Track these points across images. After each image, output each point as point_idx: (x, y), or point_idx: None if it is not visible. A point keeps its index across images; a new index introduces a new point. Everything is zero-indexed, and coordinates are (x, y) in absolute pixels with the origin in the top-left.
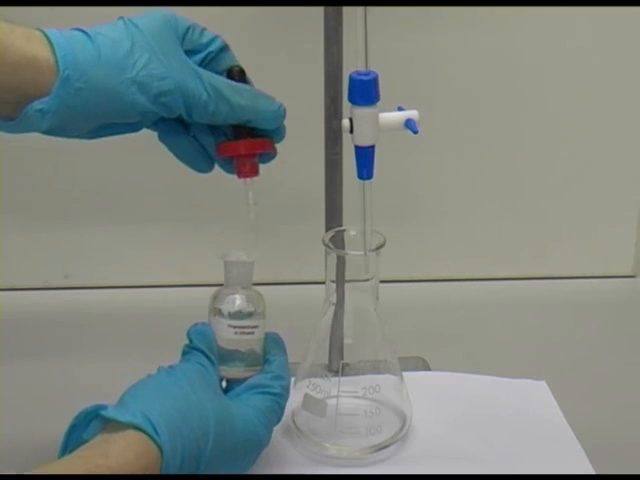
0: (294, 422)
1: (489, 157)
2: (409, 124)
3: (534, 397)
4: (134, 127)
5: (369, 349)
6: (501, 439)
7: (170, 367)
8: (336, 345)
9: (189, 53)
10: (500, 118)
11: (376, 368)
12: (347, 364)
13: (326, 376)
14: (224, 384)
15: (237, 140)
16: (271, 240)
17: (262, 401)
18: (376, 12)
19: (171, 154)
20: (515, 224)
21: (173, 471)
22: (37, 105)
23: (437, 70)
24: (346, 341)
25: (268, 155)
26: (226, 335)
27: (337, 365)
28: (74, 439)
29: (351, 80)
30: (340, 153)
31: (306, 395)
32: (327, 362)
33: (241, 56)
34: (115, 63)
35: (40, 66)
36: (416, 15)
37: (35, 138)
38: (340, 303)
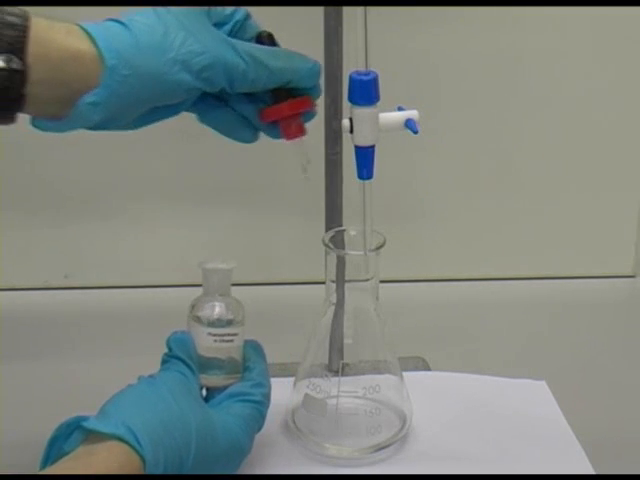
0: (294, 422)
1: (489, 157)
2: (409, 124)
3: (534, 397)
4: (175, 109)
5: (369, 349)
6: (501, 439)
7: (151, 376)
8: (336, 345)
9: (217, 26)
10: (500, 118)
11: (376, 368)
12: (347, 364)
13: (326, 376)
14: (204, 392)
15: (279, 103)
16: (271, 240)
17: (243, 409)
18: (376, 12)
19: (165, 154)
20: (515, 224)
21: None
22: (88, 98)
23: (437, 70)
24: (346, 341)
25: (310, 113)
26: (205, 343)
27: (337, 365)
28: (55, 451)
29: (351, 80)
30: (340, 153)
31: (306, 395)
32: (327, 362)
33: None
34: (154, 46)
35: (84, 59)
36: (416, 15)
37: (35, 137)
38: (340, 303)
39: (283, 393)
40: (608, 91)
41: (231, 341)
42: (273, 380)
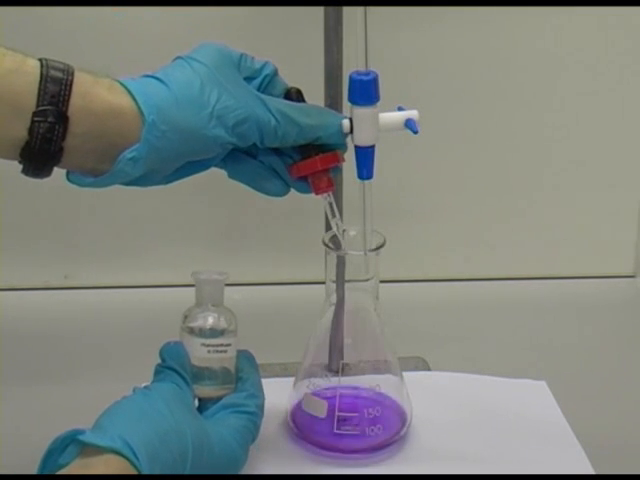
0: (294, 422)
1: (489, 157)
2: (409, 124)
3: (534, 397)
4: (207, 164)
5: (369, 349)
6: (501, 439)
7: (146, 388)
8: (336, 345)
9: (247, 80)
10: (500, 118)
11: (376, 368)
12: (347, 364)
13: (326, 376)
14: (196, 403)
15: (308, 158)
16: (271, 240)
17: (238, 420)
18: (376, 12)
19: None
20: (515, 224)
21: None
22: (129, 154)
23: (437, 70)
24: (346, 341)
25: (337, 168)
26: (199, 354)
27: (337, 365)
28: (50, 464)
29: (351, 80)
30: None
31: (306, 395)
32: (327, 362)
33: None
34: (191, 102)
35: (125, 115)
36: (416, 15)
37: None
38: (340, 303)
39: (283, 393)
40: (608, 91)
41: (224, 352)
42: (273, 380)
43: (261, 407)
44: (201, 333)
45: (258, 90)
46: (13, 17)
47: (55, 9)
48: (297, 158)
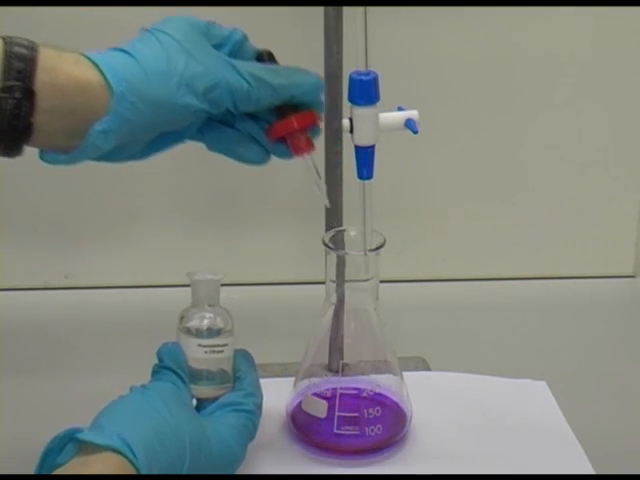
0: (294, 422)
1: (489, 157)
2: (409, 124)
3: (534, 397)
4: (181, 136)
5: (369, 349)
6: (501, 439)
7: (143, 387)
8: (336, 345)
9: (216, 48)
10: (500, 118)
11: (376, 368)
12: (347, 364)
13: (326, 376)
14: (194, 402)
15: (284, 118)
16: (271, 240)
17: (236, 419)
18: (376, 12)
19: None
20: (515, 224)
21: None
22: (99, 126)
23: (437, 70)
24: (346, 341)
25: (316, 129)
26: (196, 354)
27: (337, 365)
28: (49, 463)
29: (351, 80)
30: (340, 153)
31: (306, 395)
32: (327, 362)
33: None
34: (159, 71)
35: (93, 88)
36: (416, 15)
37: None
38: (340, 303)
39: (283, 393)
40: (608, 91)
41: (221, 352)
42: (273, 380)
43: (259, 406)
44: (198, 333)
45: (229, 57)
46: (13, 17)
47: (55, 9)
48: (274, 121)
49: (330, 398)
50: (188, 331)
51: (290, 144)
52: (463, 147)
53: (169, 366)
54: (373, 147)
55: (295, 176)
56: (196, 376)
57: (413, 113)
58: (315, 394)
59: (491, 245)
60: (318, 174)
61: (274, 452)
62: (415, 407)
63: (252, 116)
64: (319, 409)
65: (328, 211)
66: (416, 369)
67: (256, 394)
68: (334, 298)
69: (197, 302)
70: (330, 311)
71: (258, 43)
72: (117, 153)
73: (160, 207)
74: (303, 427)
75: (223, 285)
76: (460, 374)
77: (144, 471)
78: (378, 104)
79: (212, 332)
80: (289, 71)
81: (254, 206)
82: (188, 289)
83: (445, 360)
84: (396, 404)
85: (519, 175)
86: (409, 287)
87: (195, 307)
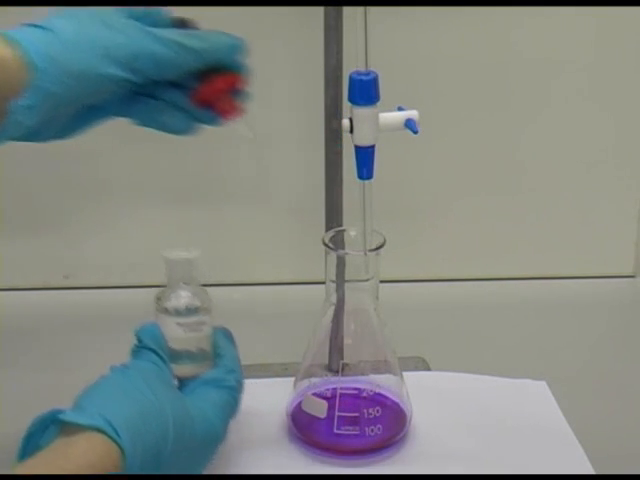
0: (294, 422)
1: (489, 157)
2: (409, 124)
3: (534, 397)
4: (106, 111)
5: (369, 349)
6: (501, 439)
7: (124, 366)
8: (336, 345)
9: (133, 19)
10: (500, 118)
11: (376, 368)
12: (347, 364)
13: (326, 376)
14: (176, 382)
15: (210, 81)
16: (271, 240)
17: (218, 395)
18: (376, 12)
19: (165, 153)
20: (515, 224)
21: (134, 470)
22: (22, 101)
23: (437, 70)
24: (346, 341)
25: (242, 93)
26: (175, 334)
27: (337, 365)
28: (31, 447)
29: (351, 80)
30: (340, 153)
31: (306, 395)
32: (327, 362)
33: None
34: (79, 44)
35: (9, 65)
36: (416, 15)
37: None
38: (340, 303)
39: (283, 393)
40: (608, 91)
41: (200, 330)
42: (273, 380)
43: (241, 382)
44: (176, 313)
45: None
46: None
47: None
48: (199, 86)
49: (330, 398)
50: (166, 311)
51: (217, 109)
52: (463, 147)
53: (149, 346)
54: (373, 147)
55: (295, 176)
56: (176, 355)
57: (413, 113)
58: (315, 394)
59: (491, 245)
60: (252, 131)
61: (274, 452)
62: (415, 407)
63: (176, 85)
64: (319, 409)
65: (328, 211)
66: (416, 369)
67: (237, 370)
68: (334, 298)
69: (173, 281)
70: (330, 311)
71: (258, 43)
72: (40, 132)
73: (160, 208)
74: (303, 427)
75: (223, 285)
76: (460, 374)
77: (128, 450)
78: (378, 104)
79: (190, 311)
80: (210, 35)
81: (254, 206)
82: None
83: (445, 360)
84: (396, 404)
85: (519, 175)
86: (409, 287)
87: (171, 287)
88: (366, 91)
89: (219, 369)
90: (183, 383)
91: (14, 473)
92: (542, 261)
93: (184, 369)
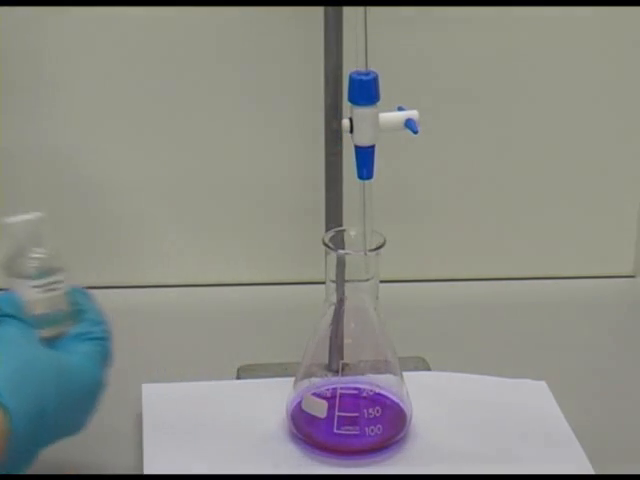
0: (294, 422)
1: (489, 157)
2: (409, 124)
3: (534, 397)
4: None
5: (369, 349)
6: (501, 439)
7: None
8: (336, 345)
9: None
10: (500, 118)
11: (376, 368)
12: (347, 364)
13: (326, 376)
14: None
15: None
16: (271, 240)
17: (90, 347)
18: (376, 12)
19: (165, 153)
20: (515, 224)
21: (21, 429)
22: None
23: (437, 70)
24: (346, 341)
25: None
26: (32, 297)
27: (337, 365)
28: None
29: (351, 80)
30: (340, 153)
31: (306, 395)
32: (327, 362)
33: (241, 56)
34: None
35: None
36: (416, 15)
37: (35, 137)
38: (340, 303)
39: (283, 393)
40: (608, 91)
41: (57, 289)
42: (273, 380)
43: (109, 332)
44: (29, 276)
45: None
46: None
47: (53, 9)
48: None
49: (330, 398)
50: (19, 275)
51: None
52: (463, 147)
53: (9, 313)
54: (373, 147)
55: (295, 176)
56: (38, 317)
57: (413, 113)
58: (315, 394)
59: (491, 245)
60: None
61: (274, 452)
62: (415, 407)
63: None
64: (319, 409)
65: (328, 211)
66: (416, 369)
67: (102, 321)
68: (334, 298)
69: (20, 245)
70: (330, 311)
71: (258, 43)
72: None
73: (160, 208)
74: (303, 427)
75: (223, 285)
76: (460, 374)
77: (13, 408)
78: (378, 104)
79: (43, 271)
80: None
81: (254, 206)
82: (188, 289)
83: (445, 360)
84: (396, 404)
85: (519, 175)
86: (409, 287)
87: (19, 251)
88: (366, 91)
89: (85, 323)
90: (51, 343)
91: None
92: (542, 261)
93: (47, 330)
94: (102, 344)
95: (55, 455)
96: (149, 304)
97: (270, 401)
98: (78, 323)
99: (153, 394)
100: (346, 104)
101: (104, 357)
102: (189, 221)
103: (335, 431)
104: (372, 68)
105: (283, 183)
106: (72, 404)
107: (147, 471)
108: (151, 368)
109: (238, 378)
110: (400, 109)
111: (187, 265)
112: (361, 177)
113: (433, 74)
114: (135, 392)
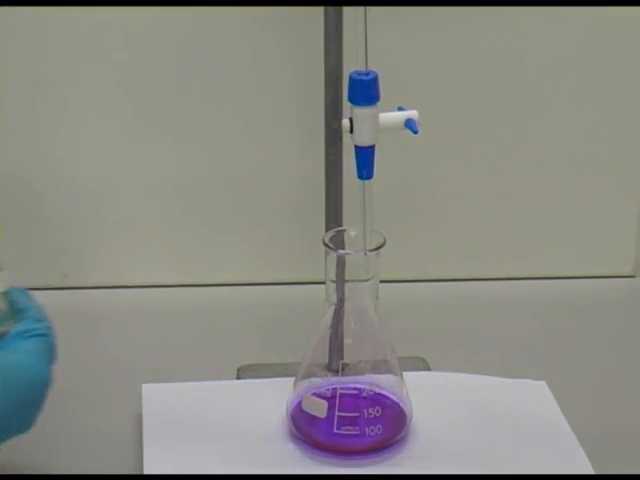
0: (294, 422)
1: (489, 157)
2: (409, 124)
3: (534, 397)
4: None
5: (369, 349)
6: (501, 439)
7: None
8: (336, 345)
9: None
10: (500, 118)
11: (376, 368)
12: (347, 364)
13: (326, 376)
14: None
15: None
16: (271, 240)
17: (34, 343)
18: (376, 12)
19: (165, 153)
20: (515, 224)
21: None
22: None
23: (437, 70)
24: (346, 341)
25: None
26: None
27: (337, 365)
28: None
29: (351, 80)
30: (340, 153)
31: (306, 395)
32: (327, 362)
33: (241, 56)
34: None
35: None
36: (416, 15)
37: (35, 137)
38: (340, 303)
39: (283, 393)
40: (608, 91)
41: None
42: (273, 380)
43: (51, 328)
44: None
45: None
46: (13, 17)
47: (53, 10)
48: None
49: (330, 398)
50: None
51: None
52: (463, 147)
53: None
54: (373, 147)
55: (295, 176)
56: None
57: (413, 113)
58: (315, 394)
59: (491, 245)
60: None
61: (274, 452)
62: (415, 407)
63: None
64: (319, 409)
65: (328, 211)
66: (416, 369)
67: (44, 319)
68: (334, 298)
69: None
70: (330, 311)
71: (258, 43)
72: None
73: (160, 207)
74: (303, 427)
75: (223, 285)
76: (460, 374)
77: None
78: (378, 104)
79: None
80: None
81: (254, 206)
82: (188, 289)
83: (445, 360)
84: (396, 404)
85: (519, 175)
86: (409, 287)
87: None
88: (366, 91)
89: (26, 321)
90: None
91: None
92: (542, 261)
93: None
94: (46, 340)
95: (55, 455)
96: (149, 304)
97: (270, 401)
98: (19, 322)
99: (153, 394)
100: (346, 104)
101: (49, 353)
102: (189, 221)
103: (335, 431)
104: (372, 68)
105: (283, 183)
106: (20, 402)
107: (147, 471)
108: (151, 368)
109: (238, 378)
110: (400, 109)
111: (187, 265)
112: (361, 177)
113: (433, 74)
114: (135, 392)
